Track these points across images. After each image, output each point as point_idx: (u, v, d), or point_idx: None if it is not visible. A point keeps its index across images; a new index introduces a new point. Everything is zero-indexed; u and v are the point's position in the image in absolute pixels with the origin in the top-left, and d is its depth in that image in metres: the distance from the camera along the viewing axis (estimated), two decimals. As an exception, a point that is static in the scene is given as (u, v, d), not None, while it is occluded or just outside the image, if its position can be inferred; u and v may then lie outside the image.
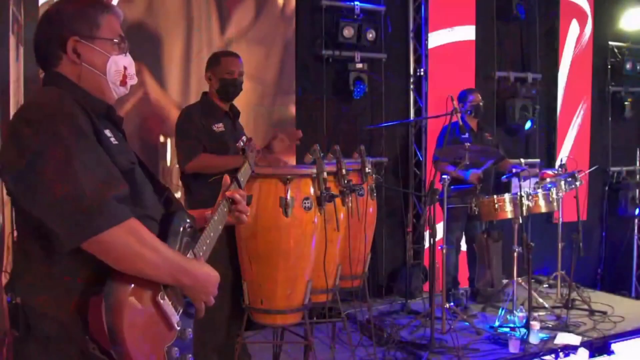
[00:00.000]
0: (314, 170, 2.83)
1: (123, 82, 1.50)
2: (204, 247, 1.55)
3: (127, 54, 1.51)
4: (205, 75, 3.21)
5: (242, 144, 1.99)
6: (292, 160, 3.91)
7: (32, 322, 1.32)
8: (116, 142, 1.43)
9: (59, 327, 1.31)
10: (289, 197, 2.77)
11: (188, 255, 1.48)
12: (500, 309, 4.39)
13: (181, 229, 1.49)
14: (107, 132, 1.42)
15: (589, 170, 5.65)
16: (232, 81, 3.14)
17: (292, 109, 4.71)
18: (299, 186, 2.82)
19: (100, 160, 1.31)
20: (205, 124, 3.06)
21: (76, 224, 1.24)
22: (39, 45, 1.45)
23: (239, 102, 3.36)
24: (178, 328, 1.42)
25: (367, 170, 3.25)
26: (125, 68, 1.49)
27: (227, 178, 1.73)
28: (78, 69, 1.43)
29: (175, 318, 1.41)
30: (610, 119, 6.55)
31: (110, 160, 1.34)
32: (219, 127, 3.10)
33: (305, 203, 2.81)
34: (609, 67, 6.51)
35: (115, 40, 1.48)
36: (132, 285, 1.31)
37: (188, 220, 1.53)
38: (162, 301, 1.37)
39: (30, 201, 1.28)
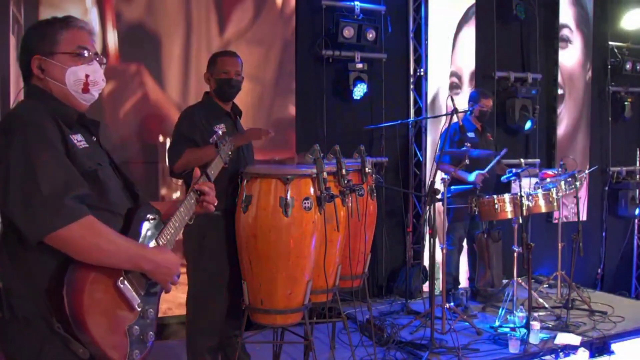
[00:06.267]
0: (314, 170, 2.82)
1: (85, 90, 1.63)
2: (168, 236, 1.71)
3: (94, 61, 1.64)
4: (204, 76, 3.20)
5: (215, 138, 2.12)
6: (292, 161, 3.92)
7: (14, 304, 1.48)
8: (85, 146, 1.59)
9: (34, 309, 1.47)
10: (289, 197, 2.77)
11: (151, 244, 1.65)
12: (500, 309, 4.39)
13: (144, 221, 1.65)
14: (78, 137, 1.59)
15: (589, 170, 5.65)
16: (227, 81, 3.10)
17: (292, 109, 4.71)
18: (299, 186, 2.82)
19: (61, 166, 1.46)
20: (207, 124, 3.03)
21: (36, 222, 1.41)
22: (19, 64, 1.66)
23: (238, 102, 3.35)
24: (139, 309, 1.57)
25: (367, 170, 3.25)
26: (86, 76, 1.62)
27: (197, 171, 1.88)
28: (45, 82, 1.60)
29: (135, 300, 1.56)
30: (610, 119, 6.55)
31: (71, 165, 1.49)
32: (220, 127, 3.07)
33: (305, 203, 2.80)
34: (609, 67, 6.51)
35: (74, 52, 1.60)
36: (93, 272, 1.47)
37: (152, 213, 1.69)
38: (122, 286, 1.52)
39: (2, 201, 1.44)
